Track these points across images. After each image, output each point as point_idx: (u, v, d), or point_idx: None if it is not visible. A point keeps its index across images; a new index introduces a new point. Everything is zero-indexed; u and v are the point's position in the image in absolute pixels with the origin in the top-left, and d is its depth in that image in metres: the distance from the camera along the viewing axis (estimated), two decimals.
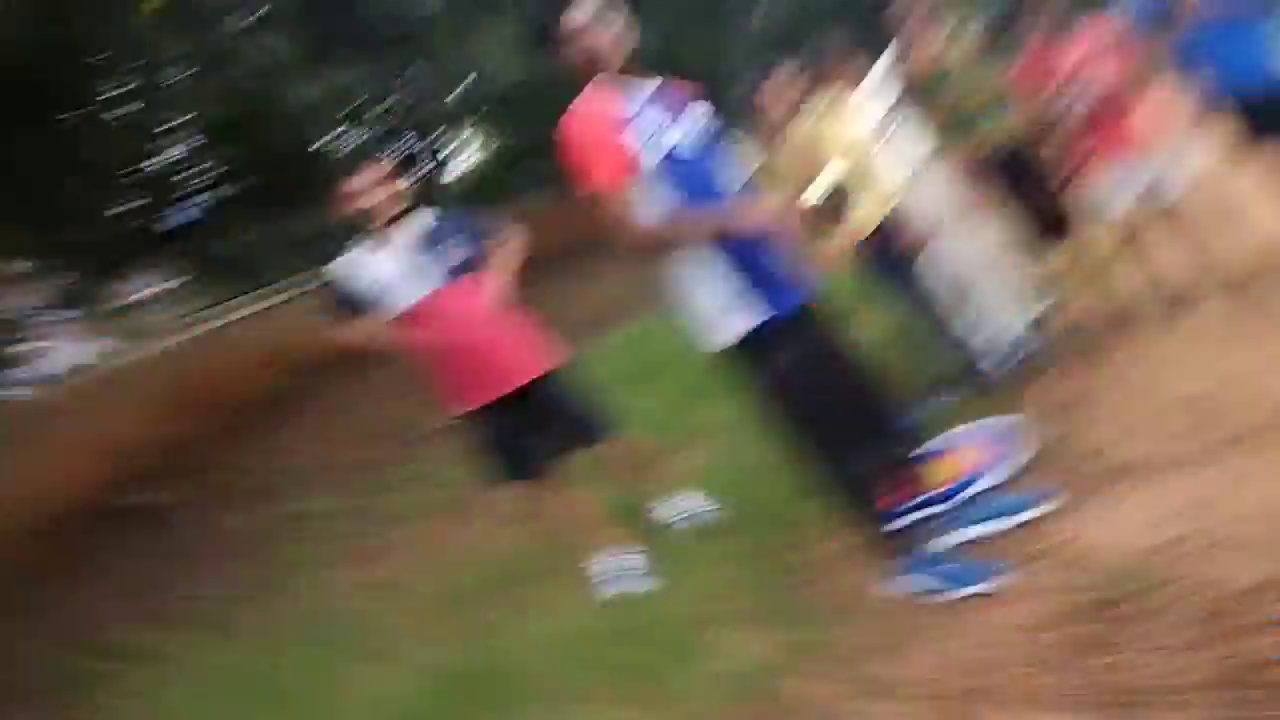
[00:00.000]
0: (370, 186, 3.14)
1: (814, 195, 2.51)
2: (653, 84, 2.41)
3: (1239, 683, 1.75)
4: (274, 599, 4.46)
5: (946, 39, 3.57)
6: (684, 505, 3.48)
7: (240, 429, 8.11)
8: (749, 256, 2.33)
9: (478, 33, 10.14)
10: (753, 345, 2.34)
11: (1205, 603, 1.96)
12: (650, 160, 2.27)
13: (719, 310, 2.34)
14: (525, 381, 3.21)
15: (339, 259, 3.24)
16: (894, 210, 3.47)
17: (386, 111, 11.80)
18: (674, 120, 2.36)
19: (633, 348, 6.39)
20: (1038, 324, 3.78)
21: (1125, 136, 3.49)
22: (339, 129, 10.64)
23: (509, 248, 3.35)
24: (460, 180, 13.95)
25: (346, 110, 10.52)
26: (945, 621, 2.31)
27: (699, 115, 2.46)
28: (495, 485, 3.34)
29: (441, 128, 12.87)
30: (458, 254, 3.19)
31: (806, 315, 2.43)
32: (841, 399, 2.45)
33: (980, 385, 3.52)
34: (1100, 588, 2.15)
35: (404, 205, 3.21)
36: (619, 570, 3.20)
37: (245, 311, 10.32)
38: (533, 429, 3.23)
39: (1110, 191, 3.57)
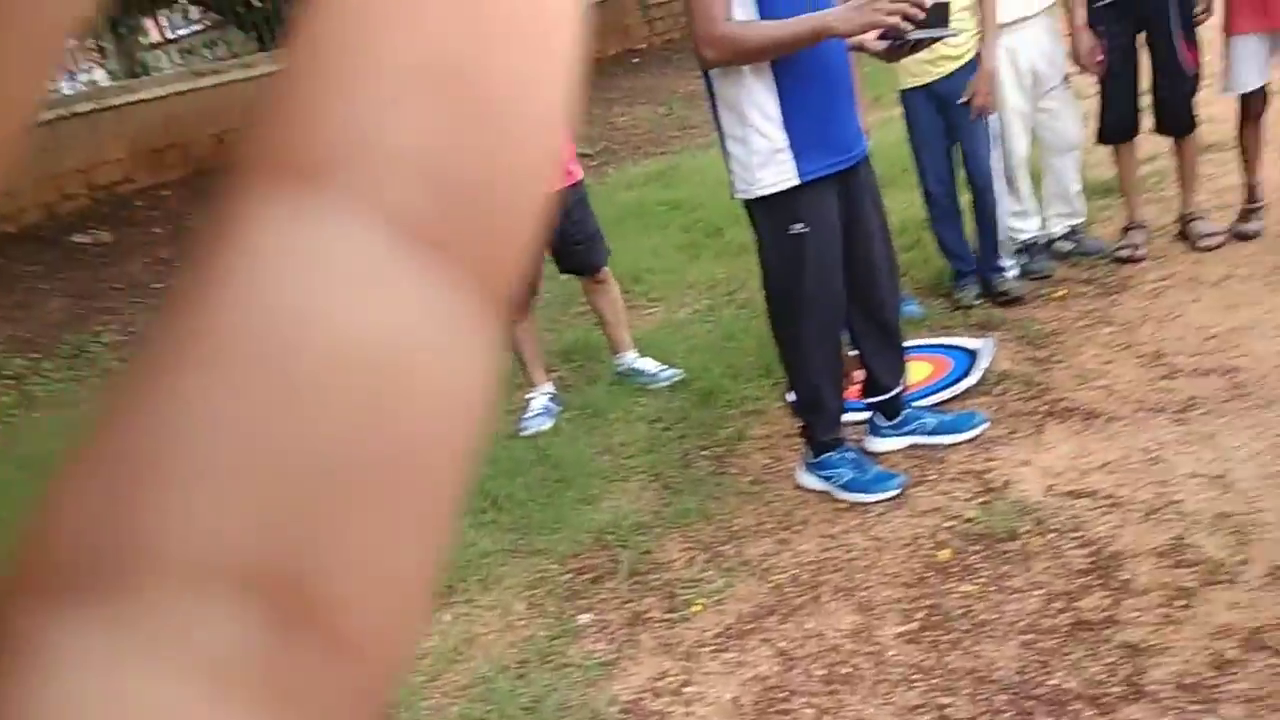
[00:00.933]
0: None
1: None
2: None
3: (1062, 634, 1.74)
4: None
5: None
6: (637, 361, 3.38)
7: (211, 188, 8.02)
8: (816, 93, 2.13)
9: None
10: (781, 201, 2.17)
11: (1082, 558, 1.87)
12: None
13: (761, 157, 2.14)
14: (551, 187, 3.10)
15: None
16: (975, 53, 3.09)
17: None
18: None
19: (653, 183, 6.20)
20: (1074, 234, 3.50)
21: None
22: None
23: None
24: None
25: None
26: (834, 519, 2.27)
27: None
28: None
29: None
30: None
31: (844, 179, 2.22)
32: (838, 279, 2.28)
33: (987, 286, 3.29)
34: (993, 521, 2.07)
35: None
36: (540, 407, 3.14)
37: (261, 70, 10.00)
38: (555, 241, 3.12)
39: (1250, 63, 3.11)
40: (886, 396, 2.48)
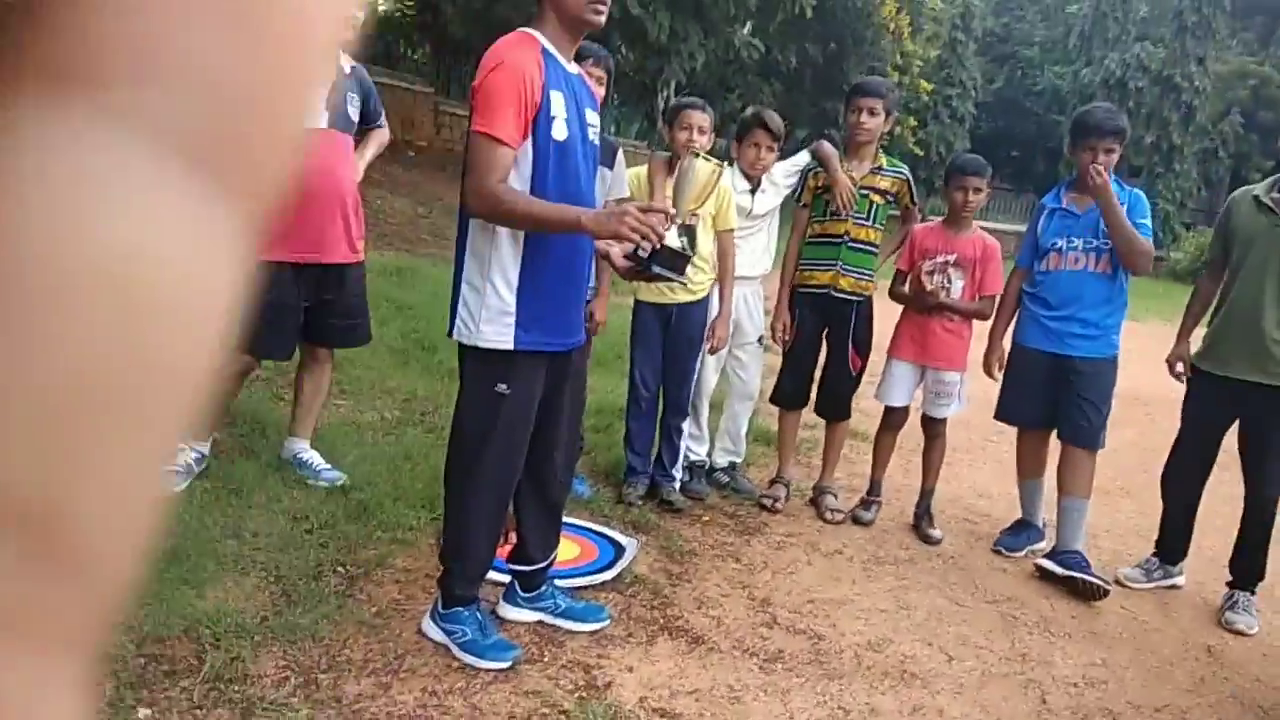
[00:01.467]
0: None
1: (672, 236, 2.43)
2: (574, 66, 2.31)
3: None
4: None
5: (874, 176, 3.67)
6: (304, 453, 3.23)
7: None
8: (553, 278, 2.26)
9: None
10: (492, 357, 2.24)
11: None
12: (544, 135, 2.16)
13: (489, 312, 2.22)
14: (340, 260, 3.06)
15: None
16: (707, 295, 3.55)
17: None
18: (576, 110, 2.25)
19: (388, 277, 6.10)
20: (732, 470, 3.92)
21: (946, 342, 3.69)
22: None
23: (384, 131, 3.31)
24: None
25: None
26: (441, 676, 2.25)
27: (595, 118, 2.37)
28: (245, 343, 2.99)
29: None
30: (354, 108, 3.07)
31: (557, 358, 2.36)
32: (523, 446, 2.36)
33: (654, 489, 3.58)
34: (581, 718, 2.14)
35: None
36: (181, 464, 2.89)
37: None
38: (320, 306, 3.08)
39: (900, 385, 3.77)
40: (532, 568, 2.56)
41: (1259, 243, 3.31)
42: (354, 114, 3.06)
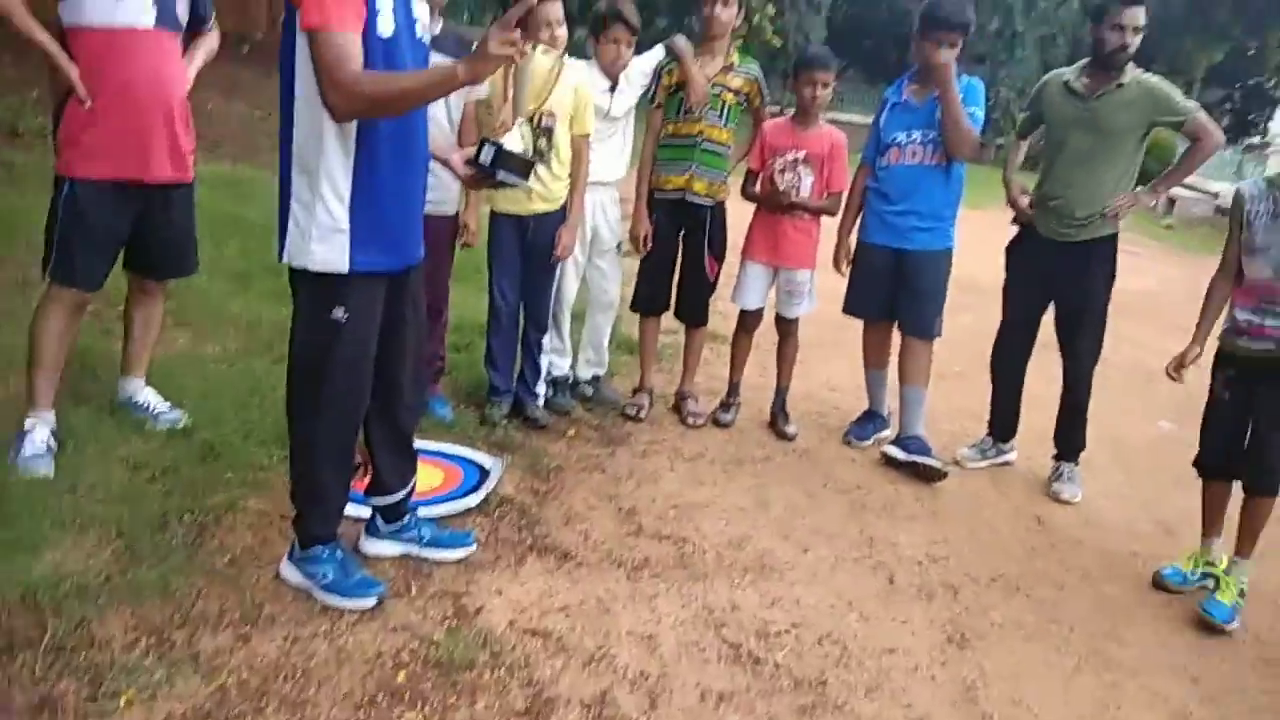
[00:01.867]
0: None
1: (514, 138, 2.34)
2: None
3: None
4: None
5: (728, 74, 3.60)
6: (140, 393, 3.04)
7: None
8: (388, 189, 2.12)
9: None
10: (326, 281, 2.10)
11: (523, 699, 2.07)
12: (370, 30, 1.99)
13: (320, 231, 2.06)
14: (165, 179, 2.79)
15: None
16: (564, 203, 3.45)
17: None
18: (402, 2, 2.09)
19: (223, 190, 5.69)
20: (596, 382, 3.93)
21: (796, 241, 3.75)
22: None
23: (214, 35, 3.01)
24: None
25: None
26: (304, 621, 2.22)
27: (423, 11, 2.21)
28: (51, 269, 2.73)
29: None
30: (183, 6, 2.77)
31: (396, 278, 2.24)
32: (366, 374, 2.25)
33: (519, 408, 3.56)
34: (455, 648, 2.18)
35: None
36: (42, 444, 2.66)
37: None
38: (143, 232, 2.83)
39: (754, 286, 3.85)
40: (390, 500, 2.53)
41: (1070, 125, 3.50)
42: (183, 13, 2.76)
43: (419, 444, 2.62)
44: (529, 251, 3.46)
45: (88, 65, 2.59)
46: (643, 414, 3.80)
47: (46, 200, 2.71)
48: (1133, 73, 3.43)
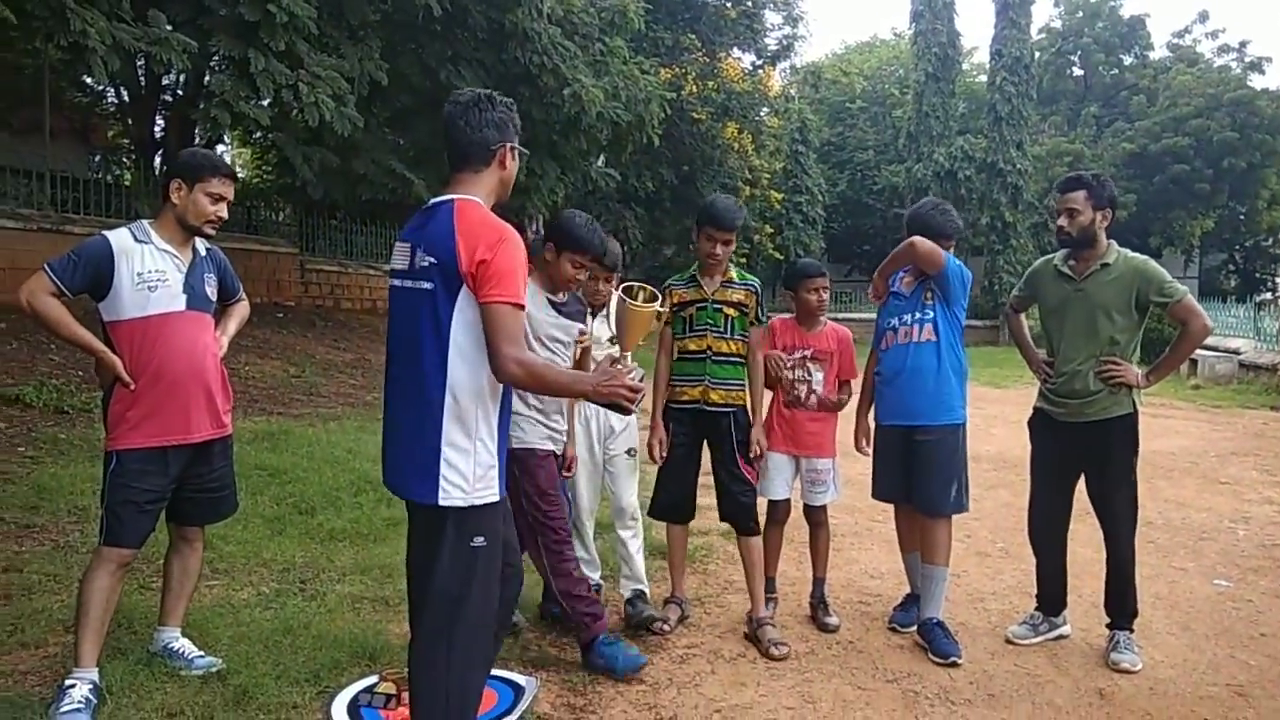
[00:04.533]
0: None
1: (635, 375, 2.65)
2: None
3: None
4: None
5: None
6: (175, 642, 3.08)
7: None
8: (505, 423, 2.34)
9: None
10: (474, 514, 2.22)
11: None
12: None
13: (482, 469, 2.22)
14: (206, 437, 3.00)
15: (121, 229, 2.92)
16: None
17: None
18: None
19: (259, 444, 5.93)
20: (637, 600, 3.80)
21: (813, 431, 3.85)
22: None
23: (244, 305, 3.33)
24: None
25: None
26: None
27: None
28: (104, 535, 2.85)
29: None
30: (211, 287, 3.07)
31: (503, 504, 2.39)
32: (496, 593, 2.33)
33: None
34: None
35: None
36: (81, 699, 2.68)
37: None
38: (185, 484, 3.00)
39: (778, 476, 3.87)
40: None
41: (1064, 306, 3.64)
42: (212, 293, 3.06)
43: None
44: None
45: (128, 352, 2.84)
46: (667, 627, 3.70)
47: (88, 470, 2.90)
48: (1118, 251, 3.62)
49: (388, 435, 2.31)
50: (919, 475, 3.69)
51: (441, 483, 2.18)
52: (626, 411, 2.37)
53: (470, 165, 2.30)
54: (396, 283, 2.28)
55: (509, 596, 2.53)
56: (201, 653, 3.05)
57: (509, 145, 2.32)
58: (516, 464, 3.24)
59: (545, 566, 3.33)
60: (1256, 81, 31.43)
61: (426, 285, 2.18)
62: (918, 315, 3.71)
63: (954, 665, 3.45)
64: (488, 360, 2.16)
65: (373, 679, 2.96)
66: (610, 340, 3.73)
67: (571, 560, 3.37)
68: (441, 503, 2.18)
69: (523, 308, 2.17)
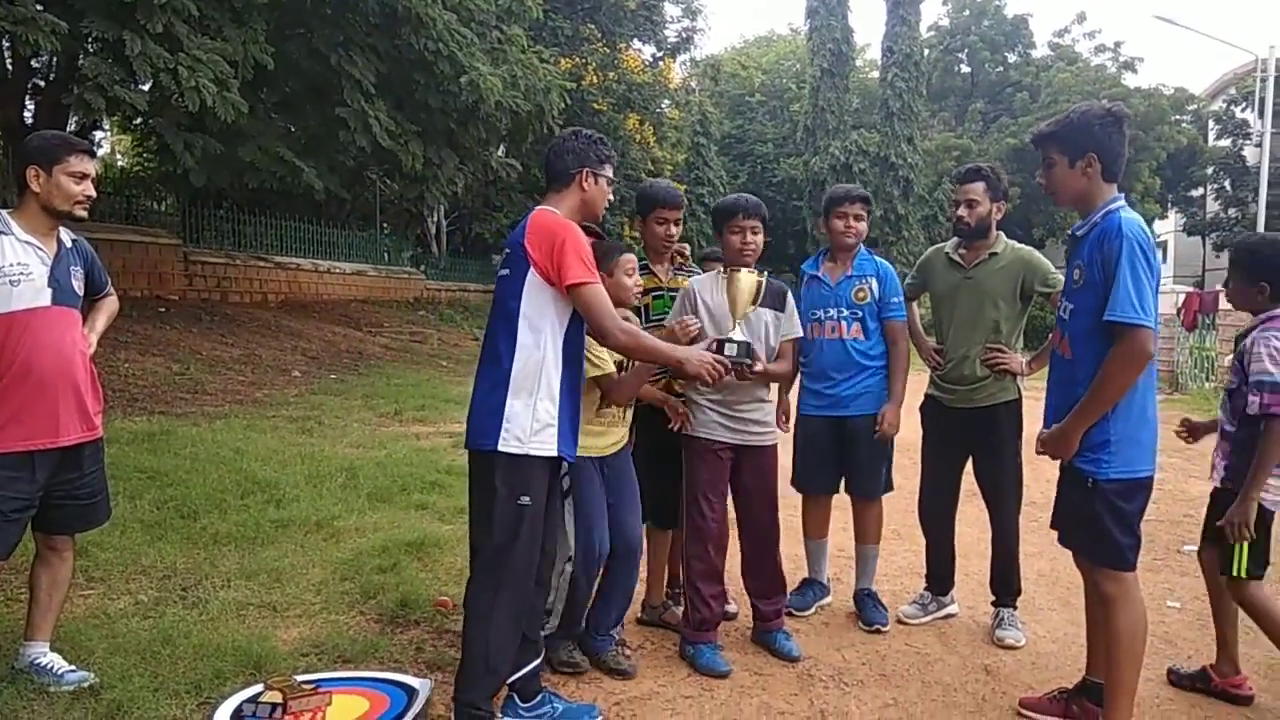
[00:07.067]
0: None
1: (739, 333, 3.10)
2: None
3: None
4: None
5: None
6: (42, 657, 2.88)
7: None
8: (575, 396, 2.67)
9: None
10: (524, 466, 2.54)
11: None
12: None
13: (539, 423, 2.54)
14: (75, 440, 2.82)
15: None
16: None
17: None
18: None
19: (138, 445, 5.62)
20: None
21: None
22: None
23: (112, 300, 3.17)
24: None
25: None
26: None
27: None
28: None
29: None
30: (78, 281, 2.89)
31: (564, 469, 2.76)
32: (537, 552, 2.66)
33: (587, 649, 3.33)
34: None
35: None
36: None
37: None
38: (54, 490, 2.83)
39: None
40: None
41: (954, 294, 3.75)
42: (79, 287, 2.88)
43: (340, 674, 2.53)
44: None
45: None
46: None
47: None
48: (1006, 242, 3.74)
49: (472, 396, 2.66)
50: (856, 463, 3.80)
51: (502, 432, 2.52)
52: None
53: (554, 185, 2.76)
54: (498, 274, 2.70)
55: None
56: (72, 667, 2.87)
57: (587, 170, 2.73)
58: (686, 449, 3.46)
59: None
60: (1130, 80, 33.31)
61: (504, 272, 2.63)
62: (846, 312, 3.76)
63: (878, 632, 3.70)
64: (562, 333, 2.59)
65: (258, 688, 2.83)
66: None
67: (699, 560, 3.42)
68: (500, 448, 2.51)
69: (599, 284, 2.55)
